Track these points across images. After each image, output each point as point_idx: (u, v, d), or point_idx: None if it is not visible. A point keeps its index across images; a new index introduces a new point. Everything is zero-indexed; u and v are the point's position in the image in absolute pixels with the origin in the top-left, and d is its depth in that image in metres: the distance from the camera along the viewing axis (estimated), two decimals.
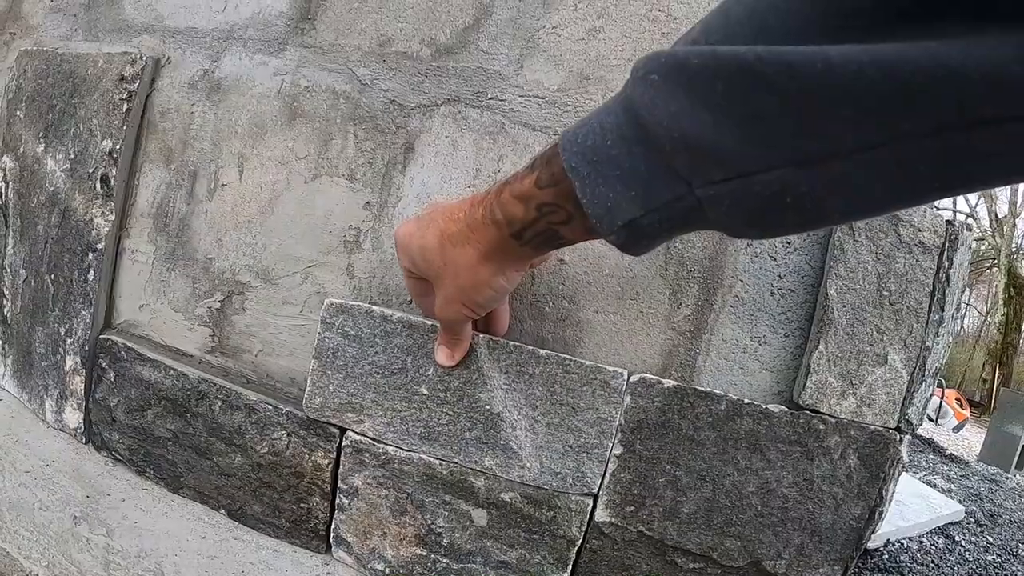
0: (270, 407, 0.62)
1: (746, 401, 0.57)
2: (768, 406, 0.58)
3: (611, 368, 0.55)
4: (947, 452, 1.80)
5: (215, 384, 0.64)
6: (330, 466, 0.61)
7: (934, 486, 1.22)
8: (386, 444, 0.59)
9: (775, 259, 0.59)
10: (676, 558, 0.59)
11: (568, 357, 0.55)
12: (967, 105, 0.22)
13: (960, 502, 1.15)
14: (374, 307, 0.58)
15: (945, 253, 0.65)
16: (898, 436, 0.64)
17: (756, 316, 0.58)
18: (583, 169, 0.32)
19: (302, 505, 0.62)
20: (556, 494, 0.57)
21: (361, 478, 0.60)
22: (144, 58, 0.70)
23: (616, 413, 0.55)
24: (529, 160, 0.38)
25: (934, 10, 0.23)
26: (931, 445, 1.86)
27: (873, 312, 0.63)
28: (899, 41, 0.23)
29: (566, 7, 0.59)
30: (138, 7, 0.74)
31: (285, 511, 0.63)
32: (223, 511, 0.65)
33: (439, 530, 0.59)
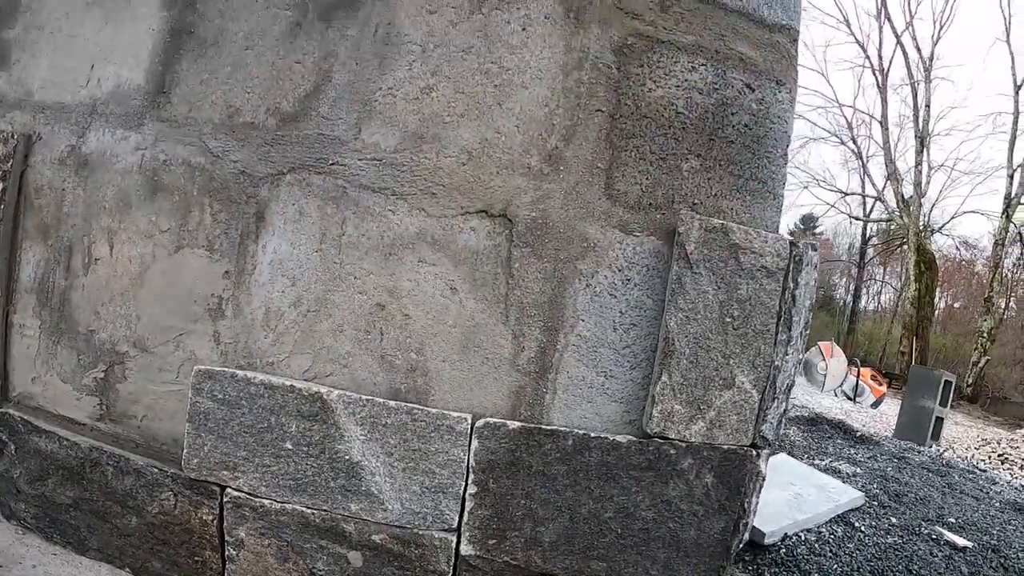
0: (156, 470, 0.65)
1: (592, 435, 0.60)
2: (616, 437, 0.61)
3: (455, 414, 0.58)
4: (858, 434, 1.84)
5: (105, 451, 0.67)
6: (215, 521, 0.64)
7: (838, 472, 1.26)
8: (262, 498, 0.62)
9: (615, 296, 0.62)
10: None
11: (416, 406, 0.58)
12: None
13: (864, 486, 1.18)
14: (237, 371, 0.61)
15: (790, 275, 0.67)
16: (755, 452, 0.67)
17: (600, 352, 0.62)
18: None
19: (196, 559, 0.66)
20: (420, 532, 0.60)
21: (244, 530, 0.63)
22: (16, 136, 0.72)
23: (464, 455, 0.59)
24: None
25: None
26: (842, 428, 1.89)
27: (717, 339, 0.66)
28: None
29: (401, 68, 0.62)
30: (9, 81, 0.76)
31: (182, 565, 0.67)
32: (127, 570, 0.69)
33: (320, 573, 0.63)
